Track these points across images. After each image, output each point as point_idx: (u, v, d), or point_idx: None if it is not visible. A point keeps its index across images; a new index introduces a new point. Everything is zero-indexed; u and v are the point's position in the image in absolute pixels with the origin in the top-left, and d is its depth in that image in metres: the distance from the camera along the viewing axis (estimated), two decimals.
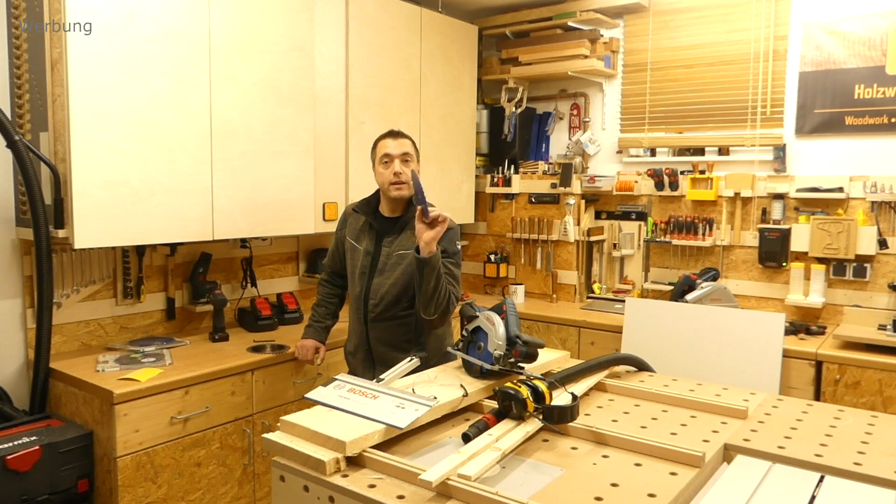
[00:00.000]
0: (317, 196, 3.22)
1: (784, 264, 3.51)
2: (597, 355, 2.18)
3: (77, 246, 2.41)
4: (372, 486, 1.36)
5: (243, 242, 3.29)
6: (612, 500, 1.31)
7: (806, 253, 3.43)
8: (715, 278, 3.57)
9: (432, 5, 3.98)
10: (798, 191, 3.46)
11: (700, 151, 3.84)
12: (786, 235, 3.48)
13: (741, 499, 1.32)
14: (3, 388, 2.61)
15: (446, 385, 1.85)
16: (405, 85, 3.70)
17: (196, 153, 2.70)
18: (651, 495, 1.32)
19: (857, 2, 3.34)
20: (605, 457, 1.52)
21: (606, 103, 4.18)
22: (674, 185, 3.82)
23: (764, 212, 3.59)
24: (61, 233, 2.42)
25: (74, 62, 2.33)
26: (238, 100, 2.83)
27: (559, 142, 4.38)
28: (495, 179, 4.30)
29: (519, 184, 4.23)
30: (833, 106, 3.42)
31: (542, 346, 1.96)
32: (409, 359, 1.97)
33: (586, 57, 4.01)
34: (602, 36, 4.08)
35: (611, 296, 4.04)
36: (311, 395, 1.74)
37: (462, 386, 1.82)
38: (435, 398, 1.68)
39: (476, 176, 4.35)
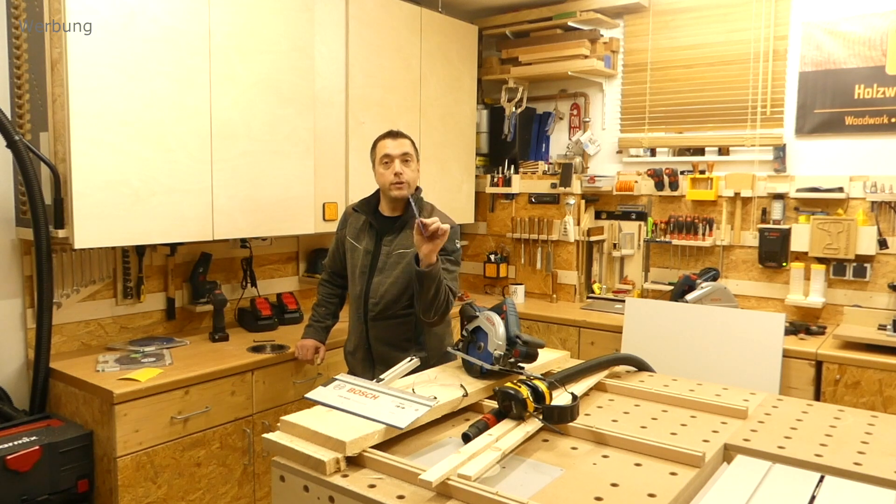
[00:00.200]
0: (317, 196, 3.22)
1: (784, 264, 3.51)
2: (597, 355, 2.18)
3: (77, 246, 2.41)
4: (372, 486, 1.36)
5: (243, 242, 3.29)
6: (612, 500, 1.31)
7: (806, 253, 3.43)
8: (715, 278, 3.57)
9: (432, 5, 3.98)
10: (798, 191, 3.46)
11: (700, 151, 3.84)
12: (786, 235, 3.48)
13: (741, 499, 1.32)
14: (3, 388, 2.61)
15: (446, 385, 1.85)
16: (405, 85, 3.70)
17: (196, 153, 2.70)
18: (651, 495, 1.33)
19: (857, 2, 3.34)
20: (605, 457, 1.52)
21: (606, 103, 4.18)
22: (674, 185, 3.82)
23: (764, 212, 3.59)
24: (61, 233, 2.42)
25: (74, 62, 2.33)
26: (238, 100, 2.83)
27: (559, 142, 4.38)
28: (495, 179, 4.30)
29: (519, 184, 4.23)
30: (833, 106, 3.42)
31: (542, 346, 1.97)
32: (408, 359, 1.97)
33: (586, 57, 4.01)
34: (602, 36, 4.08)
35: (611, 296, 4.04)
36: (311, 395, 1.74)
37: (462, 386, 1.82)
38: (435, 398, 1.68)
39: (476, 176, 4.35)
